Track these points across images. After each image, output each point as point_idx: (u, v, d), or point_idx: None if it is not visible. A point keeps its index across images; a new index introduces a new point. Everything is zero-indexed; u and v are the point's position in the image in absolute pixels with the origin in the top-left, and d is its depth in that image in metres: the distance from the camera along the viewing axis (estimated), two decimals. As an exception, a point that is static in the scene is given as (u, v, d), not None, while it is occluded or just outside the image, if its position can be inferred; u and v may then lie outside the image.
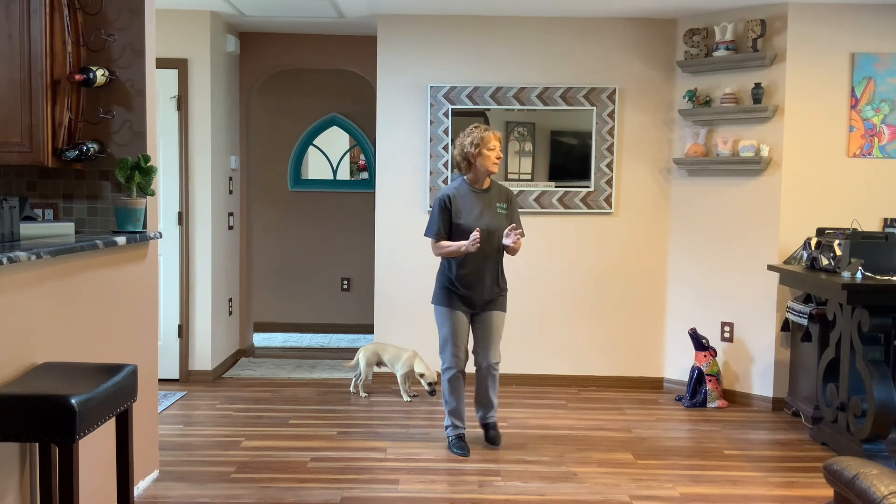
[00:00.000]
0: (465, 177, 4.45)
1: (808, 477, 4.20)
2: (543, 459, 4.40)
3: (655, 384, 5.98)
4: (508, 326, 5.15)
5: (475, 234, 4.19)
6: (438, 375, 5.24)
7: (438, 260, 6.04)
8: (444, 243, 4.37)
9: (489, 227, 4.33)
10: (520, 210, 4.96)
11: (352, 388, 5.73)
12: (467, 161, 4.40)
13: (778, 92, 5.33)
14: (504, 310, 4.50)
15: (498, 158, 4.38)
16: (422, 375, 5.37)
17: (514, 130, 5.87)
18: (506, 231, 4.29)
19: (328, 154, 7.94)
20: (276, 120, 7.78)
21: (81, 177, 3.77)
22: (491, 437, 4.62)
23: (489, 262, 4.38)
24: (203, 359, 5.98)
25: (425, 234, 4.46)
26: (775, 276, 5.27)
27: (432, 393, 5.34)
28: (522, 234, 4.33)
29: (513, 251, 4.35)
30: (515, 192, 4.65)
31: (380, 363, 5.66)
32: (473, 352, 4.53)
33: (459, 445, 4.48)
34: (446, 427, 4.58)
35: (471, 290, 4.38)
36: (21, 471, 2.77)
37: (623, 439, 4.78)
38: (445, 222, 4.38)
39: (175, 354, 5.91)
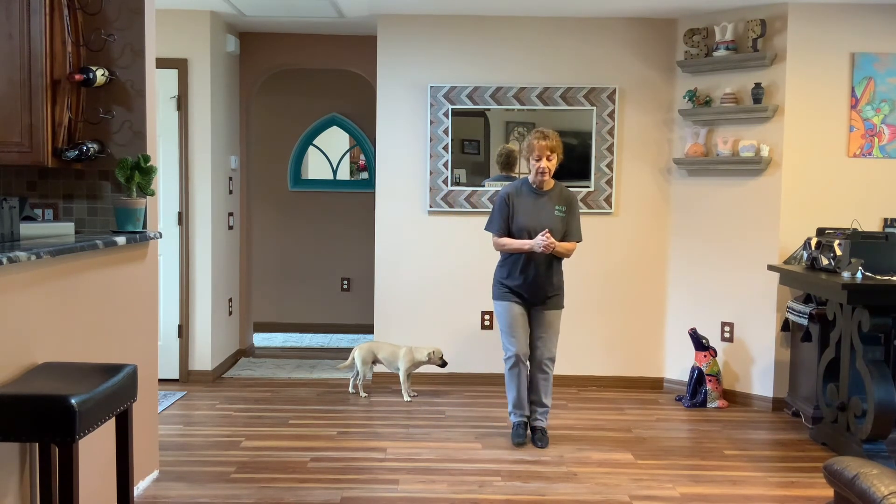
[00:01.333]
0: (529, 176, 4.58)
1: (808, 477, 4.20)
2: (543, 459, 4.40)
3: (655, 384, 5.98)
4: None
5: (542, 236, 4.38)
6: (436, 355, 5.50)
7: (438, 260, 6.07)
8: (506, 240, 4.54)
9: (538, 228, 4.46)
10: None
11: (350, 389, 5.73)
12: (528, 164, 4.60)
13: (778, 92, 5.33)
14: (559, 308, 4.62)
15: (540, 170, 4.47)
16: (430, 354, 5.49)
17: (514, 130, 5.87)
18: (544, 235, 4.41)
19: (328, 154, 7.94)
20: (276, 120, 7.78)
21: (81, 177, 3.77)
22: (536, 439, 4.64)
23: (542, 262, 4.50)
24: (203, 359, 5.98)
25: (486, 229, 4.65)
26: (775, 276, 5.27)
27: (444, 365, 5.51)
28: (575, 239, 4.55)
29: (560, 253, 4.49)
30: None
31: (375, 361, 5.66)
32: (530, 348, 4.64)
33: (518, 433, 4.62)
34: (509, 413, 4.72)
35: (522, 287, 4.53)
36: (21, 471, 2.77)
37: (623, 439, 4.78)
38: (505, 219, 4.55)
39: (175, 354, 5.91)
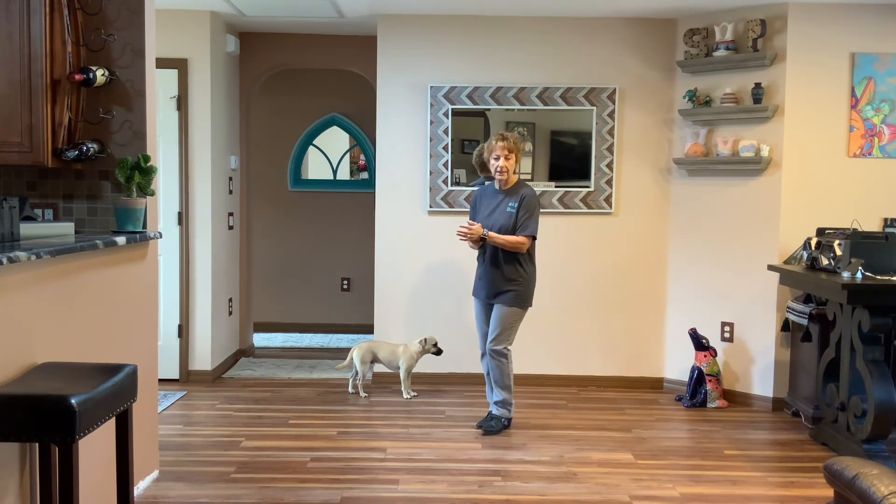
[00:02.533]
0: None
1: (808, 477, 4.20)
2: (543, 459, 4.40)
3: (655, 384, 5.98)
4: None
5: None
6: (430, 342, 5.59)
7: (438, 260, 6.09)
8: None
9: (489, 225, 4.76)
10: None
11: (350, 389, 5.73)
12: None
13: (778, 92, 5.33)
14: (510, 304, 4.77)
15: (497, 168, 4.77)
16: (423, 342, 5.53)
17: (514, 130, 5.86)
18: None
19: (328, 154, 7.94)
20: (276, 120, 7.78)
21: (81, 177, 3.77)
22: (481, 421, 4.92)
23: (492, 256, 4.78)
24: (203, 359, 5.98)
25: None
26: (775, 276, 5.27)
27: (439, 352, 5.59)
28: (522, 232, 4.70)
29: (499, 244, 4.69)
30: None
31: (374, 361, 5.67)
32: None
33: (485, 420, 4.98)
34: None
35: (479, 280, 4.91)
36: (21, 471, 2.77)
37: (623, 439, 4.78)
38: (472, 218, 4.93)
39: (175, 354, 5.91)
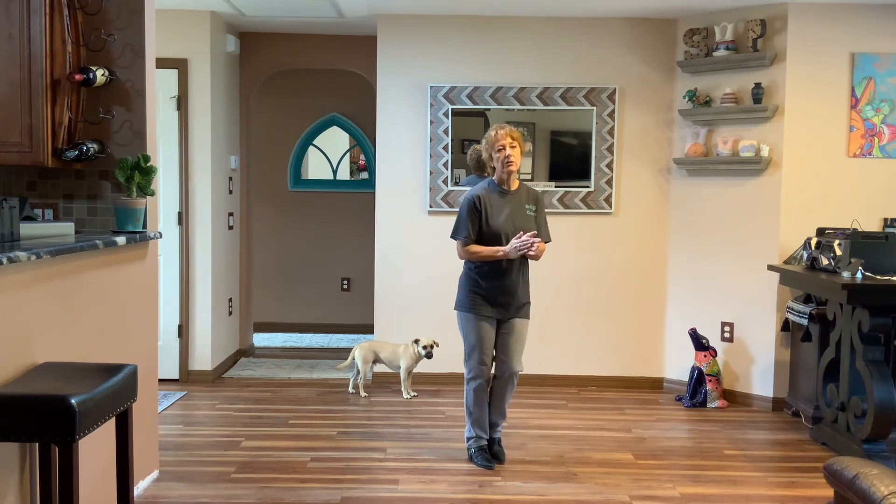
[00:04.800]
0: (494, 178, 4.25)
1: (808, 477, 4.20)
2: (543, 459, 4.40)
3: (655, 384, 5.98)
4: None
5: (519, 240, 4.05)
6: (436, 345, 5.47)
7: (438, 260, 6.03)
8: (476, 247, 4.16)
9: (520, 230, 4.11)
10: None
11: (350, 389, 5.73)
12: (491, 164, 4.25)
13: (778, 92, 5.33)
14: (528, 316, 4.29)
15: (507, 159, 4.12)
16: (416, 342, 5.48)
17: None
18: (524, 238, 4.04)
19: (328, 154, 7.94)
20: (276, 120, 7.78)
21: (81, 177, 3.77)
22: (496, 451, 4.35)
23: (519, 267, 4.20)
24: (203, 359, 5.98)
25: (452, 237, 4.24)
26: (775, 276, 5.27)
27: (429, 356, 5.45)
28: (544, 240, 4.19)
29: (536, 258, 4.15)
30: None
31: (376, 361, 5.66)
32: (496, 359, 4.29)
33: (484, 457, 4.27)
34: (468, 438, 4.36)
35: (501, 295, 4.17)
36: (21, 471, 2.77)
37: (623, 439, 4.78)
38: (475, 224, 4.16)
39: (175, 354, 5.91)
